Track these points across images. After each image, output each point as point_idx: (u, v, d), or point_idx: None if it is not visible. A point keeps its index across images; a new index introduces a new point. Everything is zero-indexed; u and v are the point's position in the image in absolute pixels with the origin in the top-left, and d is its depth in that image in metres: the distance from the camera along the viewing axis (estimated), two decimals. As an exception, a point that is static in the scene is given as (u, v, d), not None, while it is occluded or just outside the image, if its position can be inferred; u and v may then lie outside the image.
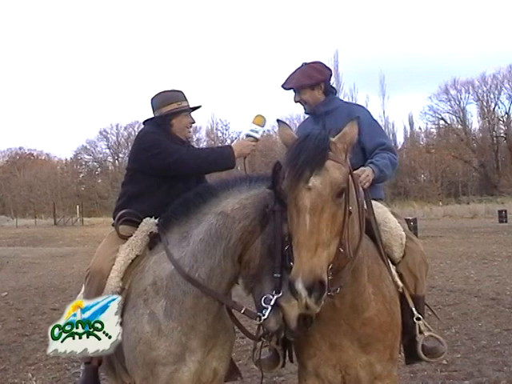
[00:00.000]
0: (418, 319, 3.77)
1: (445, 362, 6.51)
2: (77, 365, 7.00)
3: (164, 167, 3.85)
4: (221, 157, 3.98)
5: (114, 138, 78.30)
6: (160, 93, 4.24)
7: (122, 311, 3.50)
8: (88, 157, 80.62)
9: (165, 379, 3.35)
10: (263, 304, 3.08)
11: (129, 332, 3.44)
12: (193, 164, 3.88)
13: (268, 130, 69.64)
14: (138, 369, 3.42)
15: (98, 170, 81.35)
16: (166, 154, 3.89)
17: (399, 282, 3.70)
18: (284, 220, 3.04)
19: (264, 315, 3.07)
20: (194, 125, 4.34)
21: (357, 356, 3.38)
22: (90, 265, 3.93)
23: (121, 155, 78.39)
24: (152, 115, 4.26)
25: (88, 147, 79.40)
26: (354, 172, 3.30)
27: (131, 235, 3.85)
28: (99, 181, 79.80)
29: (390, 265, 3.74)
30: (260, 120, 4.12)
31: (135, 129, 76.09)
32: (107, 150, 79.64)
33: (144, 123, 4.31)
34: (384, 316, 3.42)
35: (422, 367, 6.22)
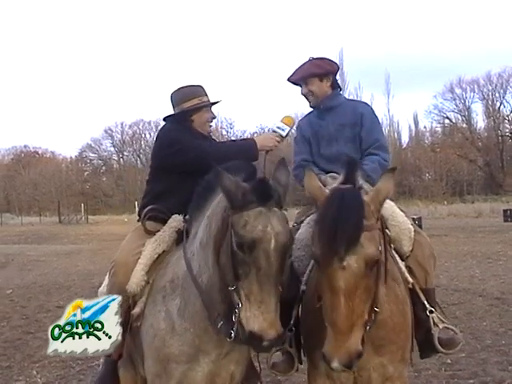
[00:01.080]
0: (431, 312, 3.77)
1: (449, 361, 6.55)
2: (81, 362, 7.04)
3: (186, 162, 3.80)
4: (242, 149, 3.96)
5: (119, 136, 78.54)
6: (180, 88, 4.21)
7: (144, 305, 3.52)
8: (93, 155, 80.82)
9: (178, 377, 3.33)
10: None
11: (147, 327, 3.46)
12: (215, 157, 3.74)
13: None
14: (153, 365, 3.42)
15: (103, 168, 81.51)
16: (188, 150, 3.85)
17: (409, 278, 3.69)
18: (239, 225, 2.89)
19: (232, 337, 3.00)
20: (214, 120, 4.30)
21: (370, 358, 3.30)
22: (115, 257, 3.94)
23: (125, 153, 78.77)
24: (172, 111, 4.23)
25: (93, 145, 79.61)
26: None
27: (158, 231, 3.85)
28: (104, 179, 80.00)
29: (399, 261, 3.73)
30: (289, 120, 4.10)
31: (140, 127, 76.54)
32: (112, 148, 79.92)
33: (165, 120, 4.28)
34: (397, 317, 3.37)
35: (426, 366, 6.21)
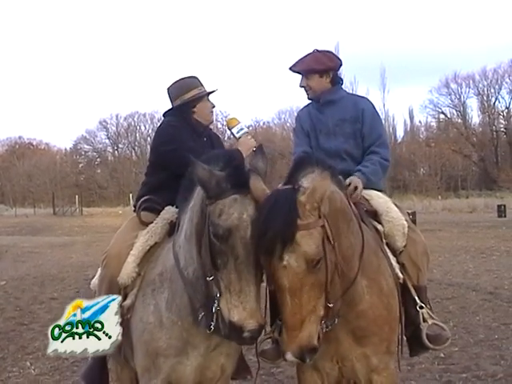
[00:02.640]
0: (421, 308, 3.82)
1: (442, 355, 6.57)
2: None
3: (178, 165, 3.71)
4: None
5: (114, 128, 78.19)
6: (177, 81, 4.22)
7: (135, 297, 3.50)
8: (87, 147, 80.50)
9: (166, 371, 3.33)
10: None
11: (137, 320, 3.45)
12: None
13: (268, 122, 69.72)
14: (142, 358, 3.42)
15: (98, 160, 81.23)
16: (181, 153, 3.78)
17: (400, 274, 3.72)
18: (215, 215, 2.88)
19: (211, 328, 3.02)
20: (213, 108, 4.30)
21: (352, 348, 3.38)
22: (108, 248, 3.95)
23: (120, 145, 78.46)
24: (170, 106, 4.24)
25: (88, 137, 79.26)
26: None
27: (152, 222, 3.84)
28: (98, 171, 79.74)
29: (391, 256, 3.75)
30: (234, 121, 4.10)
31: (135, 119, 76.33)
32: (107, 140, 79.56)
33: (164, 115, 4.29)
34: (379, 309, 3.40)
35: (419, 360, 6.22)
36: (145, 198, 3.99)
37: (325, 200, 2.87)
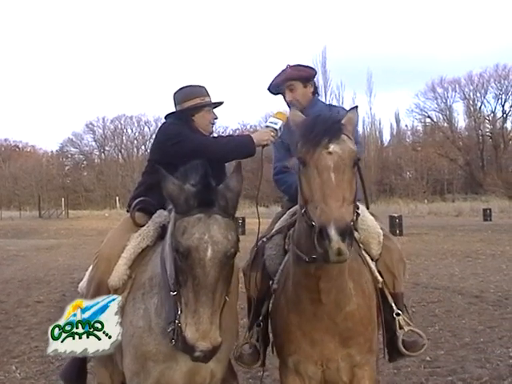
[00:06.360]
0: (398, 315, 3.87)
1: (428, 358, 6.59)
2: (61, 358, 6.95)
3: (186, 154, 3.64)
4: (241, 144, 3.97)
5: (101, 130, 77.91)
6: (183, 87, 4.22)
7: (125, 300, 3.48)
8: (74, 149, 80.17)
9: (156, 376, 3.31)
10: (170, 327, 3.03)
11: (127, 324, 3.41)
12: (214, 151, 3.82)
13: (255, 126, 69.63)
14: (131, 362, 3.39)
15: (84, 162, 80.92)
16: (188, 142, 3.86)
17: (379, 277, 3.80)
18: (179, 232, 2.86)
19: (173, 341, 2.99)
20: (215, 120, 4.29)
21: (338, 350, 3.43)
22: (100, 248, 3.93)
23: (107, 148, 78.22)
24: (174, 110, 4.23)
25: (74, 140, 78.92)
26: None
27: (145, 224, 3.83)
28: (85, 174, 79.42)
29: (369, 261, 3.82)
30: (281, 115, 4.10)
31: (122, 122, 76.10)
32: (93, 143, 79.29)
33: (166, 117, 4.29)
34: (364, 310, 3.48)
35: (405, 363, 6.24)
36: (139, 199, 3.97)
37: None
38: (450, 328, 8.28)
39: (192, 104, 4.12)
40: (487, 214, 35.49)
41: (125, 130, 77.21)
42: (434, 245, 20.56)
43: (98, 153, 79.98)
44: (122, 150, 77.20)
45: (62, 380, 4.21)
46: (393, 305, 3.87)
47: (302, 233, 3.19)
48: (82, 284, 4.17)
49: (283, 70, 4.39)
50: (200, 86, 4.25)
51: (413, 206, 48.50)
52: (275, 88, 4.45)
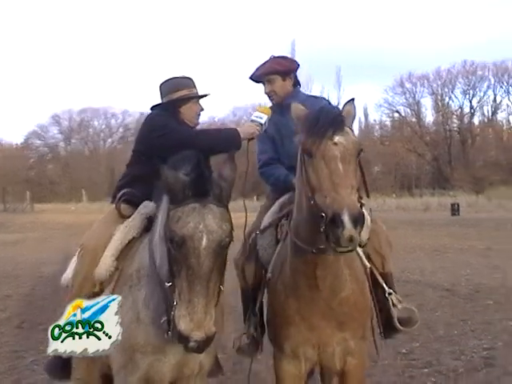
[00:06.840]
0: (390, 294, 4.06)
1: (404, 350, 6.73)
2: (34, 352, 6.86)
3: (172, 146, 3.60)
4: (228, 137, 3.96)
5: (67, 123, 76.97)
6: (170, 79, 4.20)
7: (112, 293, 3.42)
8: (39, 142, 79.10)
9: (144, 368, 3.29)
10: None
11: None
12: (200, 143, 3.76)
13: (223, 119, 69.61)
14: (118, 355, 3.33)
15: (49, 155, 79.91)
16: (175, 133, 3.84)
17: (367, 263, 3.93)
18: (174, 221, 2.86)
19: (168, 334, 2.97)
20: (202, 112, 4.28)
21: (333, 334, 3.58)
22: (84, 239, 3.88)
23: (73, 140, 77.29)
24: (160, 101, 4.22)
25: (39, 132, 77.90)
26: None
27: (131, 216, 3.79)
28: (50, 166, 78.47)
29: (358, 248, 3.86)
30: (265, 110, 4.15)
31: (88, 114, 75.28)
32: (59, 135, 78.31)
33: (152, 109, 4.25)
34: (358, 295, 3.63)
35: (382, 356, 6.23)
36: (124, 191, 3.93)
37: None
38: (423, 321, 8.20)
39: (179, 95, 4.10)
40: (455, 209, 35.90)
41: (91, 123, 76.59)
42: (403, 239, 20.67)
43: (63, 145, 79.14)
44: (89, 143, 76.49)
45: (46, 373, 4.19)
46: (384, 285, 4.04)
47: (302, 223, 3.29)
48: (67, 276, 4.09)
49: (265, 62, 4.46)
50: (187, 78, 4.23)
51: (381, 200, 48.73)
52: (256, 78, 4.53)
